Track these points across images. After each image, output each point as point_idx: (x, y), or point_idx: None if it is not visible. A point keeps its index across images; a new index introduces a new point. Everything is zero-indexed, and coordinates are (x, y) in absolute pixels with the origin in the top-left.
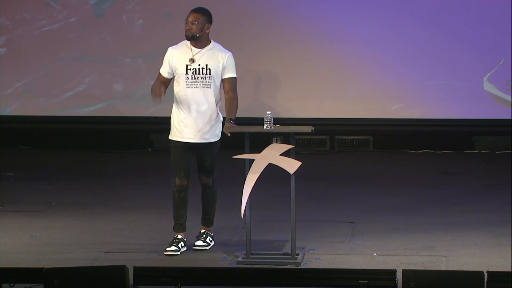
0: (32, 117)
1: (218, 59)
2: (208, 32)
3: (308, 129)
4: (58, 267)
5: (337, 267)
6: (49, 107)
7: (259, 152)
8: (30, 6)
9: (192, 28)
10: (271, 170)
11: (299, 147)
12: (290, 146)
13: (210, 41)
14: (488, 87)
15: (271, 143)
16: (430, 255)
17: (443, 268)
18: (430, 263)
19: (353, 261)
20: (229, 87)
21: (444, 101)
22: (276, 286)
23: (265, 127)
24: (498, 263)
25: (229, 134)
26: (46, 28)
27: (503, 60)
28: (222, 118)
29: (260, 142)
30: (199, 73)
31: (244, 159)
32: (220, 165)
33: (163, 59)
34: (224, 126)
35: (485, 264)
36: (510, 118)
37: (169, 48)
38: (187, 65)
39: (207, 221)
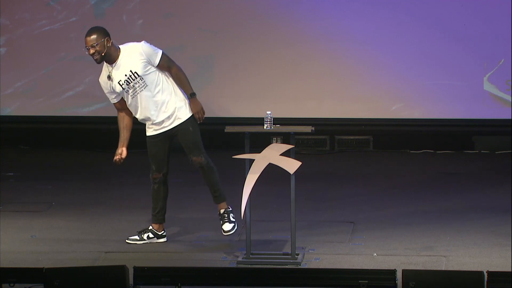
0: (32, 117)
1: (136, 57)
2: (110, 44)
3: (308, 129)
4: (58, 267)
5: (337, 267)
6: (49, 107)
7: (259, 152)
8: (30, 6)
9: (95, 52)
10: (271, 170)
11: (299, 147)
12: (290, 146)
13: (119, 49)
14: (488, 87)
15: (271, 143)
16: (430, 255)
17: (443, 268)
18: (430, 263)
19: (353, 261)
20: (167, 65)
21: (444, 101)
22: (276, 286)
23: (265, 127)
24: (498, 263)
25: (200, 120)
26: (46, 28)
27: (503, 60)
28: (183, 97)
29: (260, 142)
30: (131, 81)
31: (244, 159)
32: (221, 165)
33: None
34: (192, 107)
35: (485, 264)
36: (510, 118)
37: (99, 81)
38: (119, 82)
39: (219, 197)
